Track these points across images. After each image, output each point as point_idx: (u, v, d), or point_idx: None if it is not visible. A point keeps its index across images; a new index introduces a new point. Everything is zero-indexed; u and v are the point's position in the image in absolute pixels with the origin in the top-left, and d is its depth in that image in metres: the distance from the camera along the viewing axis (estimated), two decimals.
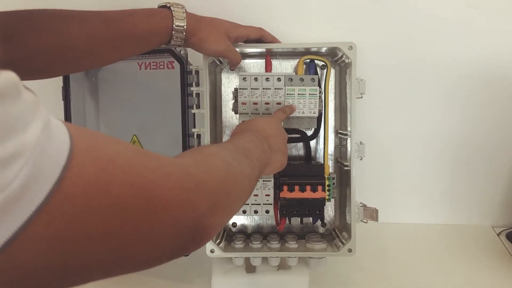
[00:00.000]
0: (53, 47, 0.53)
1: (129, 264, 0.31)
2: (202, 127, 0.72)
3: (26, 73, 0.55)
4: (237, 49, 0.69)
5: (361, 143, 0.69)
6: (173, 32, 0.61)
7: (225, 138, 0.77)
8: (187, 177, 0.35)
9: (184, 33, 0.61)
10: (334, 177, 0.71)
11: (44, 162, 0.25)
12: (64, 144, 0.26)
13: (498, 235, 0.88)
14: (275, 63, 0.75)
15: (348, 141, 0.71)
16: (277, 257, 0.71)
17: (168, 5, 0.62)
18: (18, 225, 0.23)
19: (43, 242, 0.25)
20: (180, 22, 0.61)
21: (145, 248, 0.31)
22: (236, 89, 0.71)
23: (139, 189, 0.30)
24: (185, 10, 0.62)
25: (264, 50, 0.72)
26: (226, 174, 0.41)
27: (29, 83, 0.60)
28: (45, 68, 0.55)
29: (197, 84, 0.73)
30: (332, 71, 0.74)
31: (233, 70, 0.76)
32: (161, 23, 0.60)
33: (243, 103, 0.69)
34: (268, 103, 0.69)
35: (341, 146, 0.76)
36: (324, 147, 0.73)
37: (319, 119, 0.72)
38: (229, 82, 0.77)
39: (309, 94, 0.68)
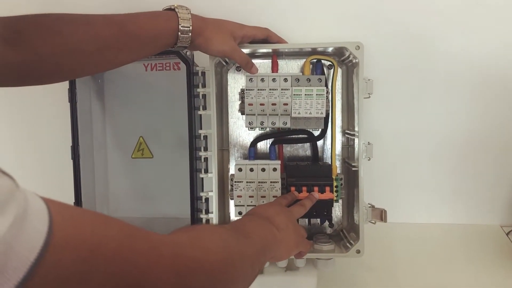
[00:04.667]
0: (60, 50, 0.53)
1: None
2: (209, 129, 0.71)
3: (36, 77, 0.55)
4: (244, 50, 0.68)
5: (368, 143, 0.69)
6: (179, 33, 0.61)
7: (232, 140, 0.77)
8: (179, 259, 0.33)
9: (190, 33, 0.61)
10: (341, 178, 0.70)
11: (8, 261, 0.23)
12: (39, 237, 0.25)
13: (507, 234, 0.87)
14: (281, 63, 0.75)
15: (356, 141, 0.70)
16: None
17: (173, 7, 0.62)
18: None
19: None
20: (185, 23, 0.61)
21: None
22: (242, 90, 0.70)
23: (124, 278, 0.29)
24: (190, 11, 0.62)
25: (270, 50, 0.72)
26: (224, 253, 0.38)
27: (37, 87, 0.60)
28: (53, 71, 0.55)
29: (204, 85, 0.73)
30: (339, 71, 0.74)
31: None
32: (167, 24, 0.60)
33: (250, 104, 0.69)
34: (275, 104, 0.68)
35: (348, 146, 0.76)
36: (332, 147, 0.72)
37: (326, 119, 0.72)
38: (236, 83, 0.76)
39: (316, 94, 0.68)
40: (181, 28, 0.61)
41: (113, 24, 0.57)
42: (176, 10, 0.61)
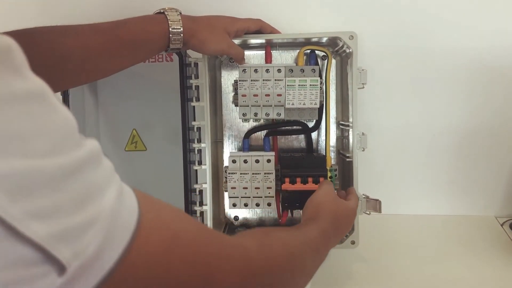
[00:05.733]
0: (50, 60, 0.53)
1: None
2: (202, 120, 0.71)
3: None
4: (236, 41, 0.68)
5: (363, 134, 0.68)
6: (170, 35, 0.61)
7: (226, 131, 0.77)
8: (246, 262, 0.36)
9: (182, 35, 0.61)
10: (336, 169, 0.70)
11: (116, 228, 0.26)
12: (134, 212, 0.28)
13: (501, 225, 0.87)
14: (275, 54, 0.74)
15: (350, 132, 0.70)
16: None
17: (162, 10, 0.62)
18: None
19: None
20: (175, 25, 0.61)
21: None
22: (236, 81, 0.70)
23: (199, 270, 0.31)
24: (180, 13, 0.62)
25: (263, 41, 0.71)
26: (287, 265, 0.41)
27: None
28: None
29: (196, 77, 0.73)
30: (333, 62, 0.73)
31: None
32: (157, 28, 0.60)
33: (243, 95, 0.68)
34: (268, 95, 0.68)
35: (343, 137, 0.76)
36: (326, 138, 0.72)
37: (320, 110, 0.71)
38: (229, 74, 0.76)
39: (310, 85, 0.67)
40: (172, 30, 0.61)
41: (102, 32, 0.57)
42: (166, 13, 0.61)
